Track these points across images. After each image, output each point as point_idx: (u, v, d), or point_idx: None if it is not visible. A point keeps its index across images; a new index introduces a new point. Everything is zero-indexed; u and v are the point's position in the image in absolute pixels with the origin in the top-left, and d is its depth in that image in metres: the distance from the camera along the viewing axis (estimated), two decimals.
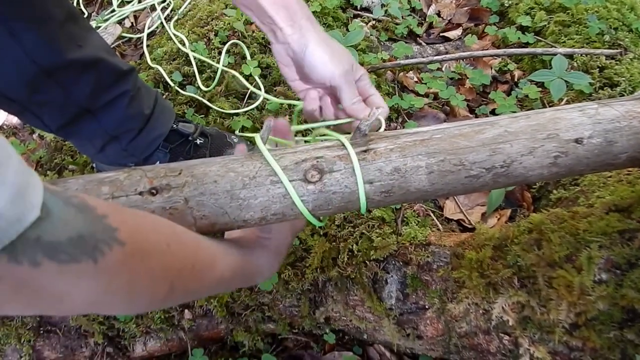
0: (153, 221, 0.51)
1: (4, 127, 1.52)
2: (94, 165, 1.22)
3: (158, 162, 1.10)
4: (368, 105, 0.76)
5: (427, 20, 1.63)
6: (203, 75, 1.41)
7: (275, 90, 1.37)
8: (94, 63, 0.92)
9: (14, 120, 1.52)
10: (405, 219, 1.08)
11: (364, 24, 1.56)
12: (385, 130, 0.73)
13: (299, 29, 0.73)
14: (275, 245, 0.69)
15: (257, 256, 0.67)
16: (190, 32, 1.50)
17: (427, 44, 1.56)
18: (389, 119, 1.33)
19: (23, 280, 0.36)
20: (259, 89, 1.36)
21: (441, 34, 1.60)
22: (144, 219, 0.50)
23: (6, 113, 1.49)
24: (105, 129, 1.01)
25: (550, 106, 1.21)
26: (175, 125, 1.11)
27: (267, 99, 1.32)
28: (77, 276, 0.38)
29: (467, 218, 1.14)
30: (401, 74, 1.43)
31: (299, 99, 0.83)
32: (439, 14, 1.66)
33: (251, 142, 1.21)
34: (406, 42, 1.52)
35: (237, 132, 1.26)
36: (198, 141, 1.12)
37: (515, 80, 1.41)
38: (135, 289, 0.45)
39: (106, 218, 0.41)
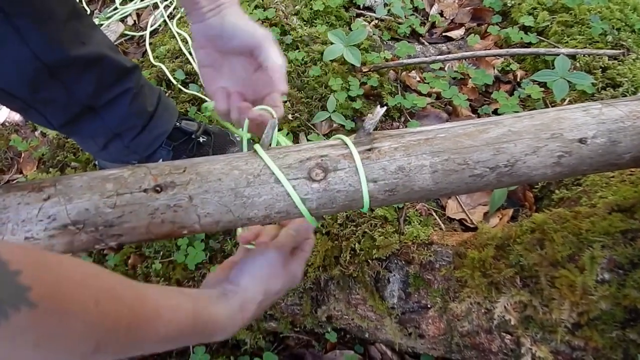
0: (83, 275, 0.46)
1: (6, 124, 1.52)
2: (97, 162, 1.22)
3: (161, 159, 1.10)
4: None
5: (429, 19, 1.63)
6: None
7: None
8: (98, 60, 0.92)
9: (16, 117, 1.52)
10: (407, 218, 1.08)
11: (366, 23, 1.56)
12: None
13: (217, 5, 0.73)
14: (240, 301, 0.64)
15: (217, 310, 0.61)
16: None
17: (430, 43, 1.56)
18: (392, 118, 1.33)
19: None
20: None
21: (444, 34, 1.60)
22: (72, 272, 0.45)
23: (8, 110, 1.50)
24: (108, 126, 1.00)
25: (552, 106, 1.21)
26: (178, 123, 1.11)
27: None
28: None
29: (469, 217, 1.14)
30: (404, 73, 1.44)
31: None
32: (441, 14, 1.66)
33: (254, 141, 1.21)
34: (409, 42, 1.52)
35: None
36: (201, 139, 1.12)
37: (518, 80, 1.41)
38: (49, 350, 0.41)
39: (18, 275, 0.38)
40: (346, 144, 0.64)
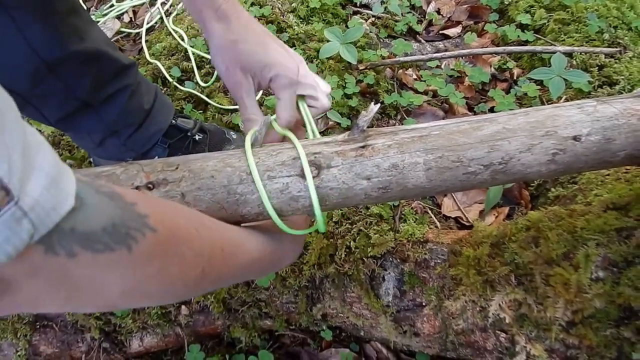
0: (177, 207, 0.51)
1: None
2: (92, 160, 1.21)
3: (157, 157, 1.10)
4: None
5: (426, 17, 1.63)
6: (202, 70, 1.40)
7: None
8: (96, 56, 0.91)
9: None
10: (403, 216, 1.07)
11: (363, 21, 1.55)
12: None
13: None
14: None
15: (280, 239, 0.66)
16: (189, 27, 1.50)
17: (427, 41, 1.56)
18: (388, 116, 1.33)
19: (61, 272, 0.35)
20: None
21: (441, 32, 1.60)
22: (169, 205, 0.50)
23: None
24: (105, 122, 1.00)
25: (549, 104, 1.21)
26: (174, 121, 1.11)
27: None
28: (113, 265, 0.38)
29: (465, 216, 1.14)
30: (400, 71, 1.43)
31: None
32: (438, 12, 1.66)
33: None
34: (405, 40, 1.51)
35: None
36: (197, 137, 1.12)
37: (515, 78, 1.41)
38: (169, 276, 0.44)
39: (136, 205, 0.40)
40: (340, 141, 0.64)
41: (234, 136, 1.17)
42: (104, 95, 0.96)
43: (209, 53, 1.41)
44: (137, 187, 0.59)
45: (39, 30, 0.80)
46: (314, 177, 0.62)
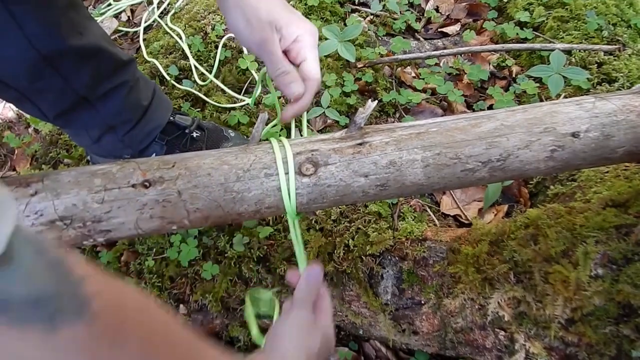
0: (142, 301, 0.41)
1: None
2: (89, 158, 1.21)
3: (154, 154, 1.09)
4: (300, 74, 0.70)
5: (425, 15, 1.62)
6: (199, 69, 1.40)
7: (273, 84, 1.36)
8: (95, 52, 0.91)
9: (9, 114, 1.51)
10: (401, 214, 1.07)
11: (361, 19, 1.55)
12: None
13: None
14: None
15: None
16: (187, 26, 1.49)
17: (425, 39, 1.55)
18: (386, 114, 1.32)
19: None
20: (255, 83, 1.36)
21: (439, 30, 1.59)
22: (131, 294, 0.40)
23: (1, 107, 1.49)
24: (102, 118, 1.00)
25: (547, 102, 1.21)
26: (172, 118, 1.11)
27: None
28: (27, 342, 0.31)
29: (463, 213, 1.14)
30: (399, 69, 1.43)
31: None
32: (437, 9, 1.65)
33: (248, 137, 1.20)
34: (404, 37, 1.51)
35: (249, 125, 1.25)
36: (194, 134, 1.12)
37: (514, 75, 1.40)
38: None
39: (81, 284, 0.34)
40: (337, 139, 0.64)
41: (232, 134, 1.17)
42: (102, 91, 0.96)
43: (206, 51, 1.41)
44: (134, 185, 0.59)
45: (38, 25, 0.79)
46: (310, 175, 0.61)
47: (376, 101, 0.65)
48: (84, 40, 0.88)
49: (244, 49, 1.43)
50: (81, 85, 0.92)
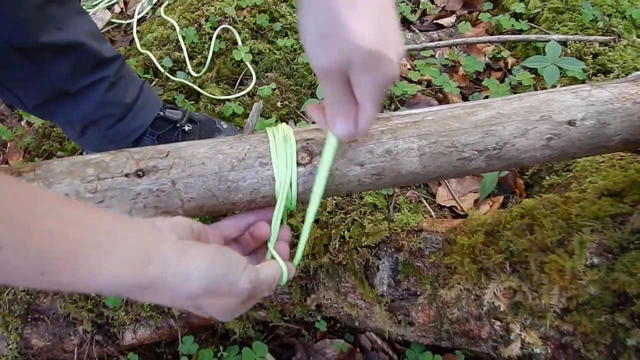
0: None
1: None
2: (84, 152, 1.20)
3: None
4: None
5: (420, 7, 1.62)
6: (194, 61, 1.39)
7: (267, 77, 1.36)
8: (73, 47, 0.92)
9: (1, 106, 1.49)
10: (397, 205, 1.07)
11: None
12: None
13: None
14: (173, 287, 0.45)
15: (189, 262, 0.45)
16: (180, 17, 1.48)
17: (421, 31, 1.55)
18: (382, 106, 1.32)
19: None
20: (250, 75, 1.35)
21: (435, 21, 1.59)
22: None
23: None
24: (83, 112, 1.00)
25: None
26: (162, 112, 1.10)
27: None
28: None
29: (459, 205, 1.13)
30: None
31: None
32: (432, 1, 1.65)
33: (242, 128, 1.19)
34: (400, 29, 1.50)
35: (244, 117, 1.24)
36: (186, 127, 1.11)
37: (509, 67, 1.40)
38: None
39: None
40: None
41: (225, 126, 1.16)
42: (82, 84, 0.97)
43: (200, 42, 1.40)
44: (127, 175, 0.58)
45: (7, 19, 0.81)
46: (306, 164, 0.61)
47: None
48: (62, 36, 0.89)
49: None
50: (59, 78, 0.93)
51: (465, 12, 1.60)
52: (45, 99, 0.95)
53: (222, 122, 1.17)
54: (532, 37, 1.36)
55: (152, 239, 0.46)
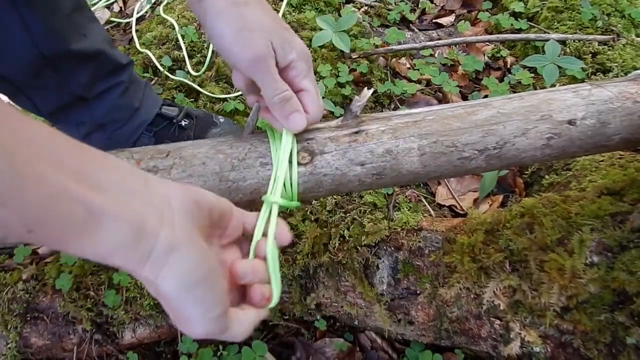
0: None
1: None
2: None
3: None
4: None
5: (419, 6, 1.62)
6: (193, 59, 1.39)
7: None
8: (95, 55, 0.93)
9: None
10: (397, 204, 1.07)
11: (356, 10, 1.54)
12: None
13: None
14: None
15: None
16: (180, 16, 1.48)
17: (420, 30, 1.55)
18: (381, 105, 1.32)
19: None
20: None
21: (434, 21, 1.59)
22: None
23: None
24: (95, 116, 1.01)
25: None
26: (159, 110, 1.11)
27: None
28: None
29: (459, 204, 1.14)
30: (393, 60, 1.42)
31: None
32: (431, 0, 1.65)
33: (242, 125, 1.19)
34: (399, 28, 1.50)
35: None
36: (183, 123, 1.11)
37: (508, 66, 1.40)
38: None
39: None
40: (333, 129, 0.63)
41: (221, 120, 1.16)
42: (97, 91, 0.98)
43: (200, 41, 1.40)
44: None
45: (43, 27, 0.82)
46: (306, 164, 0.61)
47: (372, 89, 0.65)
48: (86, 43, 0.91)
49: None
50: (78, 86, 0.94)
51: (465, 11, 1.60)
52: (61, 105, 0.96)
53: (219, 117, 1.17)
54: (532, 36, 1.37)
55: (155, 216, 0.40)
